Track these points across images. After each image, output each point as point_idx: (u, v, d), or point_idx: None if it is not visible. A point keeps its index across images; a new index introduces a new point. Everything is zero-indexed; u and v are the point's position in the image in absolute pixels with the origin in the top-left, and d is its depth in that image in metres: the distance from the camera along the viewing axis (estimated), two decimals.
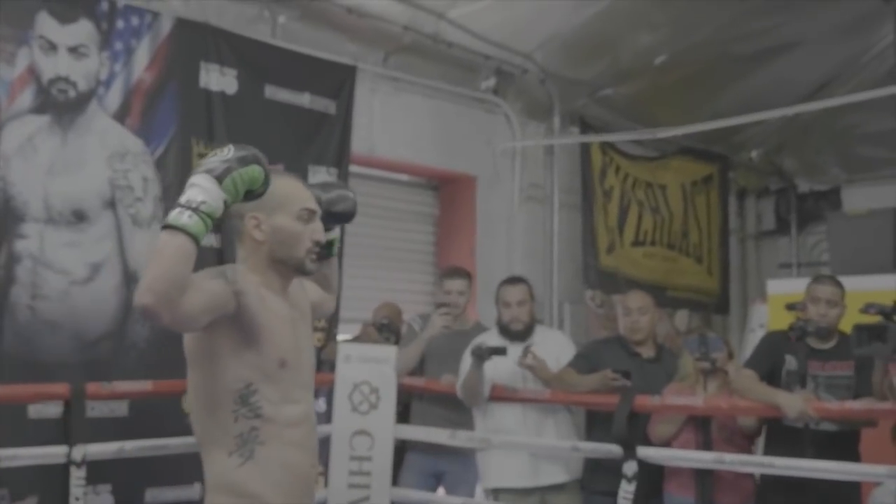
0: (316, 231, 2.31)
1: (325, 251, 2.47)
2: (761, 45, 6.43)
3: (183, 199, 1.96)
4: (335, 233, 2.62)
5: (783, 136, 7.98)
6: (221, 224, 4.58)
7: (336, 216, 2.59)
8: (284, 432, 2.20)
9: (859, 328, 3.48)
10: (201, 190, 1.96)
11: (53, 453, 3.64)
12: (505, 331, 4.37)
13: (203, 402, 2.20)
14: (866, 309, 3.58)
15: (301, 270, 2.31)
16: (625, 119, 6.97)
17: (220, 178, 1.99)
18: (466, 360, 4.26)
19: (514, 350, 4.29)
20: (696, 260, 7.58)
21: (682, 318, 7.48)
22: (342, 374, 4.62)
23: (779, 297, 5.87)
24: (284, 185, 2.30)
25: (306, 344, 2.37)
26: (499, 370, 4.29)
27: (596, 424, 4.32)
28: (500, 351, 4.15)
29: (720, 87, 6.84)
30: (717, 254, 7.81)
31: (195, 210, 1.94)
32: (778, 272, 8.30)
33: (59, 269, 4.20)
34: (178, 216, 1.93)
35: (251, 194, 2.08)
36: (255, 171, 2.04)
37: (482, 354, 4.14)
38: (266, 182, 2.09)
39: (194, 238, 1.93)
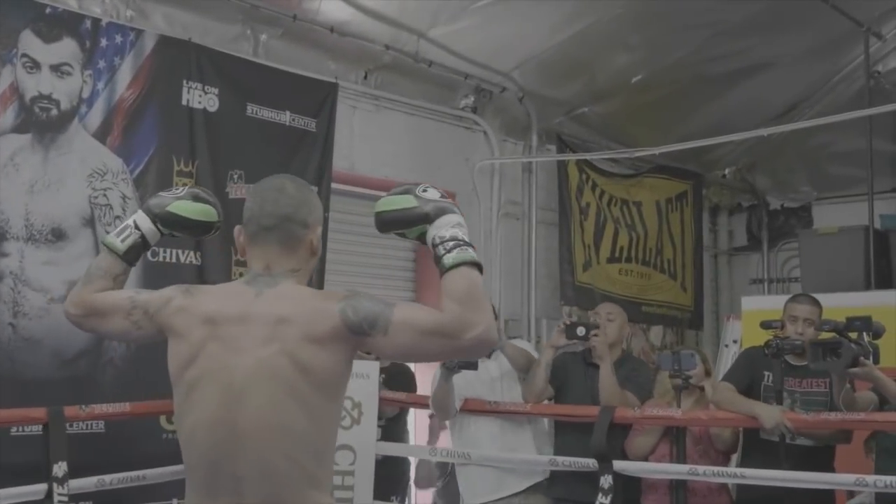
0: None
1: None
2: (734, 66, 6.55)
3: (467, 238, 2.00)
4: None
5: (755, 155, 8.12)
6: (202, 240, 4.66)
7: None
8: None
9: (815, 345, 3.62)
10: (468, 233, 2.02)
11: (34, 490, 3.60)
12: None
13: (325, 434, 2.04)
14: (821, 326, 3.70)
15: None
16: (601, 137, 7.06)
17: None
18: (437, 374, 4.30)
19: (482, 364, 4.33)
20: (671, 276, 7.68)
21: (657, 333, 7.57)
22: None
23: (753, 314, 5.98)
24: None
25: None
26: (477, 384, 4.35)
27: (565, 429, 4.38)
28: (472, 365, 4.19)
29: (694, 107, 6.95)
30: (690, 270, 7.91)
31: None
32: (749, 288, 8.43)
33: (38, 287, 4.21)
34: (475, 255, 1.98)
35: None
36: None
37: (451, 367, 4.17)
38: None
39: None
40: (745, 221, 8.78)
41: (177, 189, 2.40)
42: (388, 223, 2.07)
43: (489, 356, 4.43)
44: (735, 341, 6.51)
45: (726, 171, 8.33)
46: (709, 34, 6.12)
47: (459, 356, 2.00)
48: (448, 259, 1.95)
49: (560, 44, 5.91)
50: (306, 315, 2.00)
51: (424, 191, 2.05)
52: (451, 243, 1.96)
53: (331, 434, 2.06)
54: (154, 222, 2.33)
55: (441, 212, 2.01)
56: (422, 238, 2.06)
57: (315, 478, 2.00)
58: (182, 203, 2.33)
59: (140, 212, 2.37)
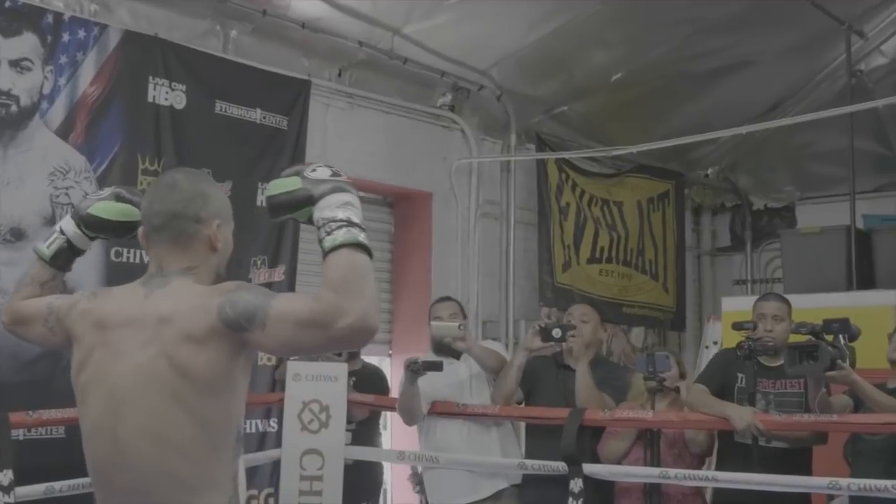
0: None
1: None
2: (716, 63, 6.47)
3: (355, 218, 1.84)
4: None
5: (738, 154, 8.04)
6: None
7: None
8: None
9: (791, 348, 3.52)
10: (360, 213, 1.87)
11: None
12: (439, 348, 4.31)
13: (212, 440, 1.93)
14: (797, 329, 3.61)
15: None
16: (581, 136, 6.98)
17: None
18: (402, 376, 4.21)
19: (446, 366, 4.24)
20: (652, 277, 7.59)
21: (638, 335, 7.49)
22: (291, 393, 4.54)
23: (733, 315, 5.86)
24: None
25: None
26: (440, 384, 4.27)
27: (535, 432, 4.29)
28: (436, 366, 4.09)
29: (675, 106, 6.87)
30: (672, 270, 7.82)
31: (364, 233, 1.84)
32: (733, 289, 8.36)
33: None
34: (367, 239, 1.82)
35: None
36: None
37: (416, 370, 4.08)
38: None
39: None
40: (729, 222, 8.70)
41: (102, 191, 2.37)
42: (276, 207, 1.94)
43: (458, 358, 4.33)
44: (715, 343, 6.41)
45: (709, 171, 8.24)
46: (688, 31, 6.04)
47: (337, 348, 1.83)
48: (328, 242, 1.81)
49: (538, 41, 5.83)
50: (186, 313, 1.91)
51: (314, 171, 1.92)
52: (333, 224, 1.82)
53: (224, 434, 1.95)
54: (79, 226, 2.31)
55: (328, 191, 1.87)
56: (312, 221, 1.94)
57: (206, 481, 1.92)
58: (103, 204, 2.30)
59: (67, 216, 2.36)
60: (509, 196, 6.58)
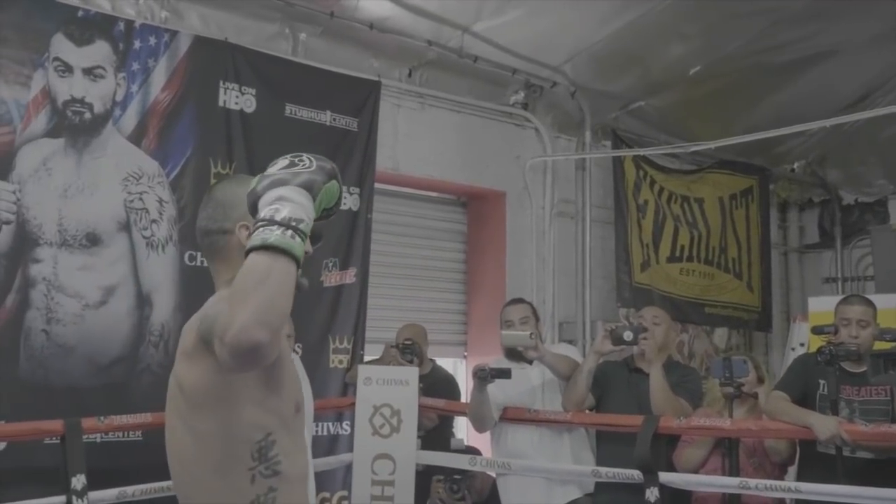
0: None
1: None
2: (798, 54, 6.21)
3: (277, 215, 1.60)
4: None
5: (825, 147, 7.73)
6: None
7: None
8: (296, 489, 1.88)
9: (875, 356, 3.35)
10: (298, 207, 1.62)
11: (52, 503, 3.55)
12: (511, 353, 4.23)
13: (212, 459, 1.81)
14: (881, 336, 3.42)
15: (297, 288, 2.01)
16: (658, 132, 6.79)
17: (313, 194, 1.66)
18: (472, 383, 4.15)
19: (518, 372, 4.15)
20: (736, 275, 7.34)
21: (721, 335, 7.26)
22: (362, 397, 4.53)
23: (820, 315, 5.63)
24: None
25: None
26: (512, 391, 4.18)
27: (607, 438, 4.18)
28: (504, 373, 4.01)
29: (757, 98, 6.62)
30: (757, 269, 7.55)
31: (297, 230, 1.60)
32: (822, 287, 8.04)
33: (72, 292, 4.19)
34: (283, 237, 1.58)
35: (325, 213, 1.76)
36: (335, 186, 1.72)
37: (484, 377, 4.01)
38: (340, 199, 1.78)
39: (298, 263, 1.61)
40: (817, 217, 8.37)
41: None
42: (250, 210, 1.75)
43: (530, 363, 4.23)
44: (802, 344, 6.16)
45: (795, 165, 7.94)
46: (769, 21, 5.80)
47: (237, 367, 1.59)
48: (247, 247, 1.62)
49: (611, 35, 5.67)
50: (188, 329, 1.86)
51: (274, 164, 1.71)
52: (259, 225, 1.61)
53: (226, 453, 1.82)
54: None
55: (268, 188, 1.65)
56: None
57: (215, 501, 1.83)
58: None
59: None
60: (585, 194, 6.44)
